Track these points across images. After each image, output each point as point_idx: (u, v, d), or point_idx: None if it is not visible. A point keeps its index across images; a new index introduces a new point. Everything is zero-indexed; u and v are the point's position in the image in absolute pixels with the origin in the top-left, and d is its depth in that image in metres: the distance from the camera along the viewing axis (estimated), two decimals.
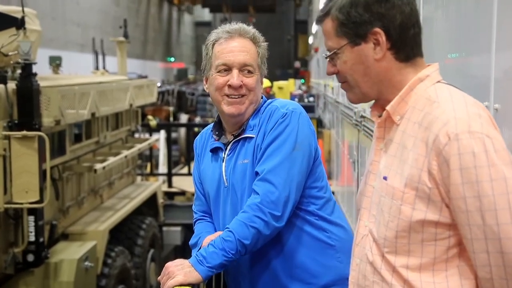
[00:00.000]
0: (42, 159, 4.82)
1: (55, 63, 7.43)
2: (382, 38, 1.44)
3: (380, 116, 1.51)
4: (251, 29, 2.16)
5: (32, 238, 4.94)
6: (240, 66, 2.09)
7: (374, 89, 1.49)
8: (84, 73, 9.84)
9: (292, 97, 14.23)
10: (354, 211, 4.88)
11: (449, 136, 1.31)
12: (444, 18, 2.44)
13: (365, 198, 1.55)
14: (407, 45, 1.45)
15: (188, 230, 8.89)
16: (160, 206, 8.43)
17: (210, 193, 2.21)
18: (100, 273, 5.83)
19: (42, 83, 5.10)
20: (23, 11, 5.25)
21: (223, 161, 2.15)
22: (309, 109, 12.00)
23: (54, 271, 5.24)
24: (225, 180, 2.13)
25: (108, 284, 5.92)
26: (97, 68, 9.21)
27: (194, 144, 2.34)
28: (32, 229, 4.93)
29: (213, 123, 2.26)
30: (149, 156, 10.06)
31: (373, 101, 1.56)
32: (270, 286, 2.11)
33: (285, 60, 36.17)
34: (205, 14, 39.19)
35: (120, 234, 6.85)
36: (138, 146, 7.55)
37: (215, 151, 2.20)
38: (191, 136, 11.31)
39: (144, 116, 10.26)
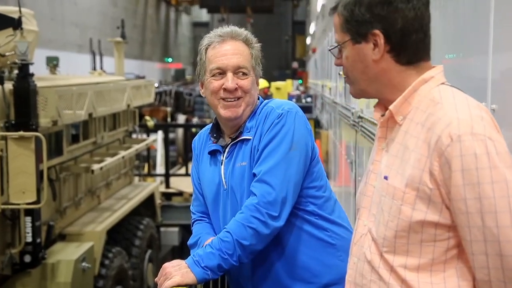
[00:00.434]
0: (39, 160, 4.81)
1: (52, 63, 7.42)
2: (381, 40, 1.43)
3: (383, 116, 1.51)
4: (243, 31, 2.16)
5: (29, 239, 4.93)
6: (234, 69, 2.09)
7: (372, 88, 1.50)
8: (82, 73, 9.83)
9: (290, 97, 14.24)
10: (351, 211, 4.88)
11: (452, 138, 1.31)
12: (442, 19, 2.44)
13: (365, 197, 1.55)
14: (408, 50, 1.44)
15: (186, 230, 8.89)
16: (158, 206, 8.43)
17: (208, 195, 2.20)
18: (97, 274, 5.83)
19: (39, 84, 5.09)
20: (20, 11, 5.24)
21: (221, 164, 2.15)
22: (307, 109, 12.01)
23: (51, 272, 5.23)
24: (224, 183, 2.13)
25: (105, 285, 5.91)
26: (94, 68, 9.21)
27: (192, 145, 2.34)
28: (29, 229, 4.92)
29: (211, 124, 2.25)
30: (147, 157, 10.05)
31: (375, 102, 1.56)
32: (273, 287, 2.11)
33: (283, 60, 36.19)
34: (203, 15, 39.19)
35: (118, 234, 6.84)
36: (136, 147, 7.54)
37: (213, 153, 2.20)
38: (188, 136, 11.31)
39: (141, 116, 10.26)
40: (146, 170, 9.96)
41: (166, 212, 8.97)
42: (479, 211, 1.29)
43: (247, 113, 2.13)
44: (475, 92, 1.85)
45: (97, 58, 9.69)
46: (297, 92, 16.43)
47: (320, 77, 13.02)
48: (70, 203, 6.07)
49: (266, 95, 12.06)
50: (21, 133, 4.74)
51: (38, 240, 5.01)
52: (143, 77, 13.49)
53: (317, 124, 12.15)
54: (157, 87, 15.71)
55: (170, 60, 30.73)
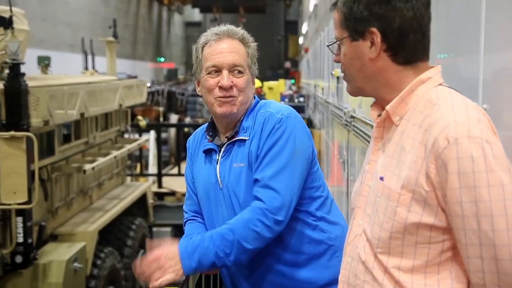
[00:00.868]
0: (30, 160, 4.79)
1: (44, 63, 7.39)
2: (377, 39, 1.42)
3: (379, 116, 1.50)
4: (239, 30, 2.17)
5: (20, 239, 4.90)
6: (230, 67, 2.09)
7: (369, 86, 1.49)
8: (74, 73, 9.79)
9: (282, 97, 14.26)
10: (344, 211, 4.89)
11: (449, 140, 1.30)
12: (434, 19, 2.44)
13: (360, 197, 1.54)
14: (405, 50, 1.43)
15: (178, 230, 8.86)
16: (150, 206, 8.41)
17: (202, 194, 2.20)
18: (89, 274, 5.81)
19: (30, 83, 5.07)
20: (11, 10, 5.21)
21: (217, 163, 2.15)
22: (299, 109, 12.03)
23: (42, 273, 5.21)
24: (219, 182, 2.13)
25: (97, 285, 5.89)
26: (86, 68, 9.18)
27: (187, 144, 2.34)
28: (20, 230, 4.90)
29: (207, 124, 2.26)
30: (139, 157, 10.03)
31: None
32: (270, 287, 2.11)
33: (276, 60, 36.21)
34: (195, 14, 39.17)
35: (110, 235, 6.82)
36: (128, 147, 7.52)
37: (208, 152, 2.19)
38: (181, 136, 11.28)
39: (133, 116, 10.23)
40: (138, 170, 9.93)
41: (158, 212, 8.96)
42: (475, 215, 1.28)
43: (242, 111, 2.13)
44: (467, 92, 1.85)
45: (89, 57, 9.66)
46: (290, 92, 16.44)
47: (312, 77, 13.04)
48: (61, 203, 6.05)
49: (259, 94, 12.06)
50: (12, 133, 4.72)
51: (30, 241, 4.99)
52: (135, 77, 13.45)
53: (309, 124, 12.16)
54: (150, 87, 15.67)
55: (162, 59, 30.70)
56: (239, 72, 2.10)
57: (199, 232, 2.16)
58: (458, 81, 2.09)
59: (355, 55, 1.47)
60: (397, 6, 1.41)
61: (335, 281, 2.05)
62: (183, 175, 2.38)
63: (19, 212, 4.86)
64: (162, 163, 10.24)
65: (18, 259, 4.94)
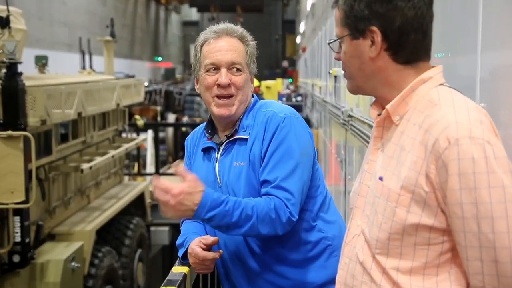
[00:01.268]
0: (27, 159, 4.79)
1: (41, 62, 7.38)
2: (378, 38, 1.41)
3: (379, 115, 1.49)
4: (238, 28, 2.16)
5: (18, 238, 4.90)
6: (228, 64, 2.09)
7: (368, 85, 1.48)
8: (72, 73, 9.78)
9: (280, 96, 14.27)
10: (342, 210, 4.89)
11: (449, 141, 1.29)
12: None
13: (359, 197, 1.53)
14: (406, 49, 1.42)
15: (176, 230, 8.86)
16: (148, 206, 8.41)
17: None
18: (87, 273, 5.80)
19: (27, 83, 5.06)
20: (8, 10, 5.21)
21: (216, 161, 2.14)
22: (297, 108, 11.99)
23: (40, 272, 5.20)
24: (219, 180, 2.12)
25: (95, 284, 5.89)
26: (84, 67, 9.16)
27: (185, 143, 2.33)
28: (18, 229, 4.89)
29: (205, 122, 2.25)
30: (137, 156, 10.02)
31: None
32: (268, 287, 2.11)
33: (273, 59, 36.21)
34: (192, 14, 39.11)
35: (107, 234, 6.82)
36: (125, 146, 7.52)
37: (207, 150, 2.19)
38: (178, 135, 11.29)
39: (131, 115, 10.22)
40: (136, 169, 9.93)
41: (156, 211, 8.93)
42: (475, 216, 1.27)
43: (241, 111, 2.12)
44: (464, 91, 1.85)
45: (87, 57, 9.64)
46: (287, 91, 16.46)
47: (310, 76, 13.05)
48: (59, 202, 6.04)
49: (257, 94, 12.07)
50: (10, 132, 4.71)
51: (27, 240, 4.98)
52: (132, 76, 13.43)
53: (307, 123, 12.14)
54: (147, 86, 15.65)
55: (160, 59, 30.65)
56: (238, 70, 2.10)
57: (193, 232, 2.16)
58: (456, 80, 2.09)
59: (355, 53, 1.46)
60: (398, 5, 1.40)
61: (333, 281, 2.05)
62: None
63: (17, 212, 4.86)
64: (159, 163, 10.23)
65: (16, 258, 4.94)
